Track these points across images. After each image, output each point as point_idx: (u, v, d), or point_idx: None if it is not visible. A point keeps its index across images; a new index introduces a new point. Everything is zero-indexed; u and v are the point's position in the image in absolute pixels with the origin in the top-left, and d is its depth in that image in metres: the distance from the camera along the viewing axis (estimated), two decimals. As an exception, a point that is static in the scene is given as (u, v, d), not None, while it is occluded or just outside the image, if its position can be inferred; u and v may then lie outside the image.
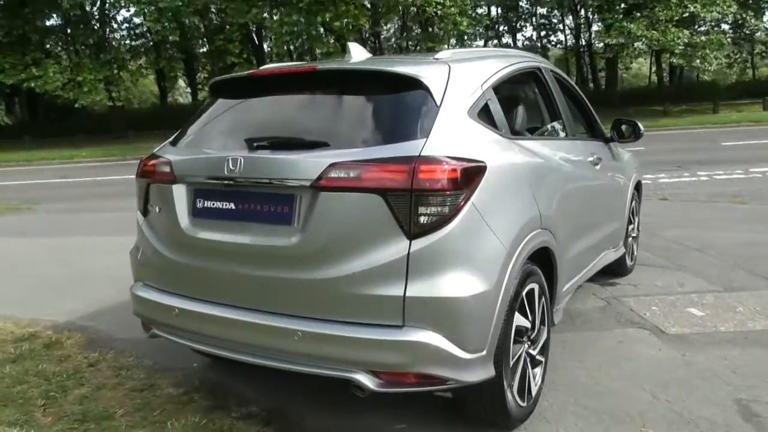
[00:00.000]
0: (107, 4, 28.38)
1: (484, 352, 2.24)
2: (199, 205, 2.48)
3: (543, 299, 2.74)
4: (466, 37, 23.22)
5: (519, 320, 2.49)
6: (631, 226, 4.71)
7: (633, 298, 4.21)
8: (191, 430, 2.63)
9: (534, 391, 2.68)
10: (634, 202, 4.72)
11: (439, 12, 21.09)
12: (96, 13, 29.34)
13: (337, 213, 2.18)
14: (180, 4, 22.88)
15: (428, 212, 2.11)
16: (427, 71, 2.42)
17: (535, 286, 2.63)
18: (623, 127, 4.14)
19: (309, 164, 2.20)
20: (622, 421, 2.65)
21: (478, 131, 2.44)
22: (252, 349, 2.37)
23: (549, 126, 3.38)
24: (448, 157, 2.18)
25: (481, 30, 30.05)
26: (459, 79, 2.50)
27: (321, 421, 2.72)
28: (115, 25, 30.82)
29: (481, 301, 2.19)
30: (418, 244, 2.12)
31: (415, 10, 23.92)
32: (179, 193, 2.52)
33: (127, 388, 3.04)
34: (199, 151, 2.57)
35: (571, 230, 3.14)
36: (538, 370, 2.77)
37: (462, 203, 2.16)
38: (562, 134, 3.39)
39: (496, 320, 2.27)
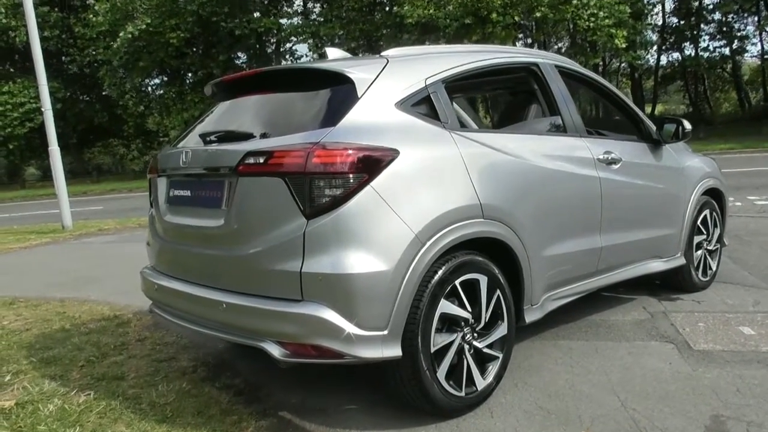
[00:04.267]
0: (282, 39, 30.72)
1: (385, 332, 2.32)
2: (172, 193, 2.89)
3: (498, 293, 2.71)
4: (626, 49, 21.50)
5: (449, 308, 2.51)
6: (702, 237, 4.29)
7: (684, 314, 3.83)
8: (174, 393, 3.00)
9: (480, 385, 2.65)
10: (706, 211, 4.29)
11: (591, 25, 20.02)
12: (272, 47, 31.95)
13: (252, 196, 2.44)
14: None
15: (322, 194, 2.28)
16: (358, 67, 2.60)
17: (479, 278, 2.62)
18: (666, 126, 3.85)
19: (232, 153, 2.49)
20: (567, 423, 2.51)
21: (404, 122, 2.55)
22: (198, 319, 2.69)
23: (538, 121, 3.30)
24: (350, 143, 2.33)
25: (648, 38, 27.70)
26: (395, 73, 2.64)
27: (287, 397, 2.94)
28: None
29: (377, 280, 2.28)
30: (314, 223, 2.29)
31: (570, 25, 23.07)
32: (162, 184, 2.97)
33: (152, 359, 3.53)
34: (174, 147, 3.00)
35: (554, 229, 3.04)
36: (492, 366, 2.72)
37: (357, 186, 2.29)
38: (554, 130, 3.29)
39: (400, 301, 2.33)
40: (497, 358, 2.75)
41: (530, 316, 2.94)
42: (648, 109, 31.09)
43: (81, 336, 4.03)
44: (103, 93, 28.32)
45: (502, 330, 2.75)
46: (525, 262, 2.83)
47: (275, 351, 2.35)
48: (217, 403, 2.88)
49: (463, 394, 2.59)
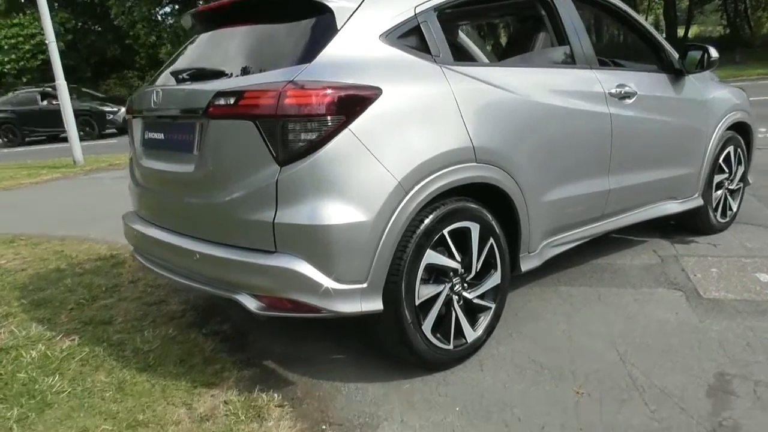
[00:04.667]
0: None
1: (365, 285, 2.18)
2: (146, 136, 2.71)
3: (492, 242, 2.54)
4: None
5: (436, 259, 2.35)
6: (723, 176, 4.02)
7: (697, 258, 3.63)
8: (159, 339, 2.94)
9: (470, 337, 2.52)
10: (730, 148, 3.99)
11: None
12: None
13: (223, 140, 2.25)
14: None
15: (296, 138, 2.08)
16: None
17: (471, 226, 2.44)
18: (690, 54, 3.52)
19: (202, 94, 2.29)
20: (560, 379, 2.39)
21: (390, 56, 2.31)
22: (174, 268, 2.56)
23: (544, 52, 3.02)
24: (327, 81, 2.11)
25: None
26: (380, 0, 2.37)
27: (273, 345, 2.85)
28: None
29: (355, 231, 2.12)
30: (287, 170, 2.11)
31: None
32: (137, 125, 2.79)
33: (142, 302, 3.46)
34: (148, 86, 2.80)
35: (557, 172, 2.82)
36: (483, 317, 2.59)
37: (334, 130, 2.09)
38: (561, 62, 3.01)
39: (381, 253, 2.17)
40: (489, 308, 2.60)
41: (526, 265, 2.77)
42: (681, 32, 29.54)
43: (75, 277, 3.97)
44: (114, 23, 27.68)
45: (494, 279, 2.60)
46: (522, 208, 2.63)
47: (250, 304, 2.23)
48: (201, 351, 2.80)
49: (451, 347, 2.46)
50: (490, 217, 2.52)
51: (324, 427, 2.19)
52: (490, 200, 2.56)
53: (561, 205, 2.89)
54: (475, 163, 2.40)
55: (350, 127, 2.11)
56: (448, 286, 2.42)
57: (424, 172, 2.24)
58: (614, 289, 3.24)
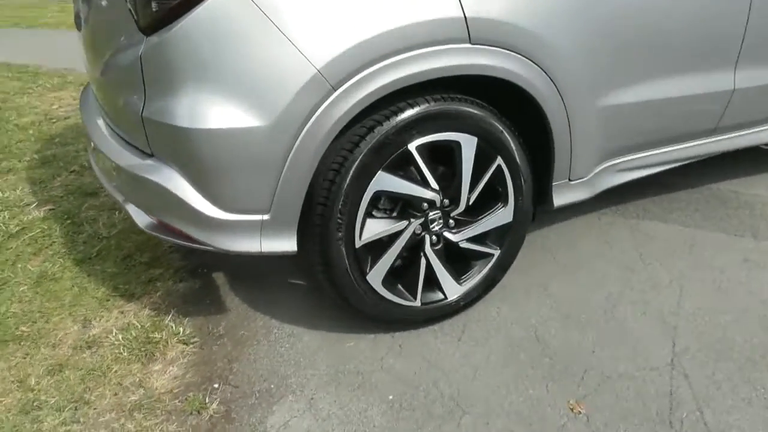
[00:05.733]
0: None
1: (265, 217, 1.51)
2: (81, 14, 2.07)
3: (500, 163, 1.72)
4: None
5: (393, 185, 1.60)
6: None
7: None
8: (119, 228, 2.52)
9: (453, 293, 1.81)
10: None
11: None
12: None
13: (99, 5, 1.60)
14: None
15: (161, -9, 1.36)
16: None
17: (460, 139, 1.63)
18: None
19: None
20: (564, 377, 1.63)
21: None
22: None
23: None
24: None
25: None
26: None
27: (231, 283, 2.29)
28: None
29: (243, 140, 1.42)
30: (152, 41, 1.42)
31: None
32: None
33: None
34: None
35: (636, 59, 1.83)
36: (479, 267, 1.84)
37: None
38: None
39: (290, 174, 1.47)
40: (490, 256, 1.84)
41: (564, 197, 1.91)
42: None
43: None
44: None
45: (502, 217, 1.80)
46: (559, 115, 1.73)
47: (137, 217, 1.68)
48: (154, 247, 2.36)
49: (417, 303, 1.77)
50: (499, 126, 1.67)
51: (216, 385, 1.68)
52: (506, 101, 1.69)
53: (641, 112, 1.92)
54: (468, 45, 1.52)
55: None
56: (418, 222, 1.68)
57: (366, 57, 1.42)
58: (721, 236, 2.26)
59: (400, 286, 1.75)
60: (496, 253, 1.84)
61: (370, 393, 1.63)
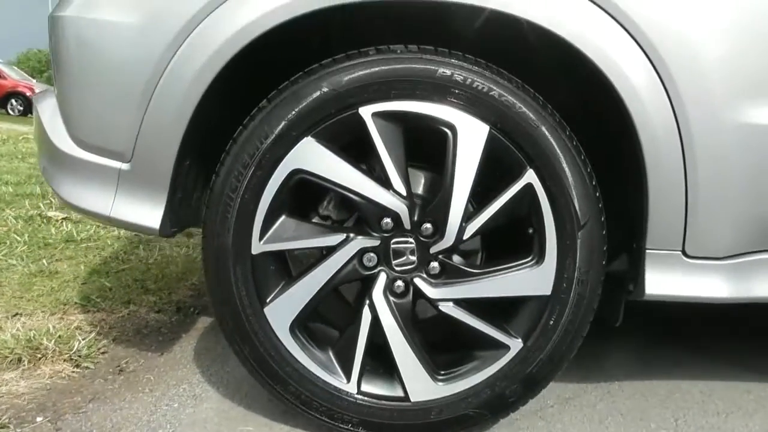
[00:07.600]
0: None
1: (125, 166, 1.03)
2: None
3: (535, 184, 1.02)
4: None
5: (322, 164, 1.01)
6: None
7: None
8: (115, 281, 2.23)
9: (417, 394, 1.06)
10: None
11: None
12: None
13: None
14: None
15: None
16: None
17: (458, 122, 0.99)
18: None
19: None
20: None
21: None
22: None
23: None
24: None
25: None
26: None
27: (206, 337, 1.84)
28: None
29: (110, 37, 1.00)
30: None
31: None
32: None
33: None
34: None
35: None
36: (482, 361, 1.08)
37: None
38: None
39: (166, 101, 0.99)
40: (502, 348, 1.05)
41: (670, 282, 1.05)
42: None
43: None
44: None
45: (527, 281, 1.04)
46: (663, 130, 0.98)
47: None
48: (166, 278, 2.01)
49: (349, 387, 1.06)
50: (532, 114, 0.99)
51: (39, 419, 1.15)
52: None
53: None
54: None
55: None
56: (367, 243, 1.02)
57: None
58: None
59: (330, 351, 1.07)
60: (514, 345, 1.05)
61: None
